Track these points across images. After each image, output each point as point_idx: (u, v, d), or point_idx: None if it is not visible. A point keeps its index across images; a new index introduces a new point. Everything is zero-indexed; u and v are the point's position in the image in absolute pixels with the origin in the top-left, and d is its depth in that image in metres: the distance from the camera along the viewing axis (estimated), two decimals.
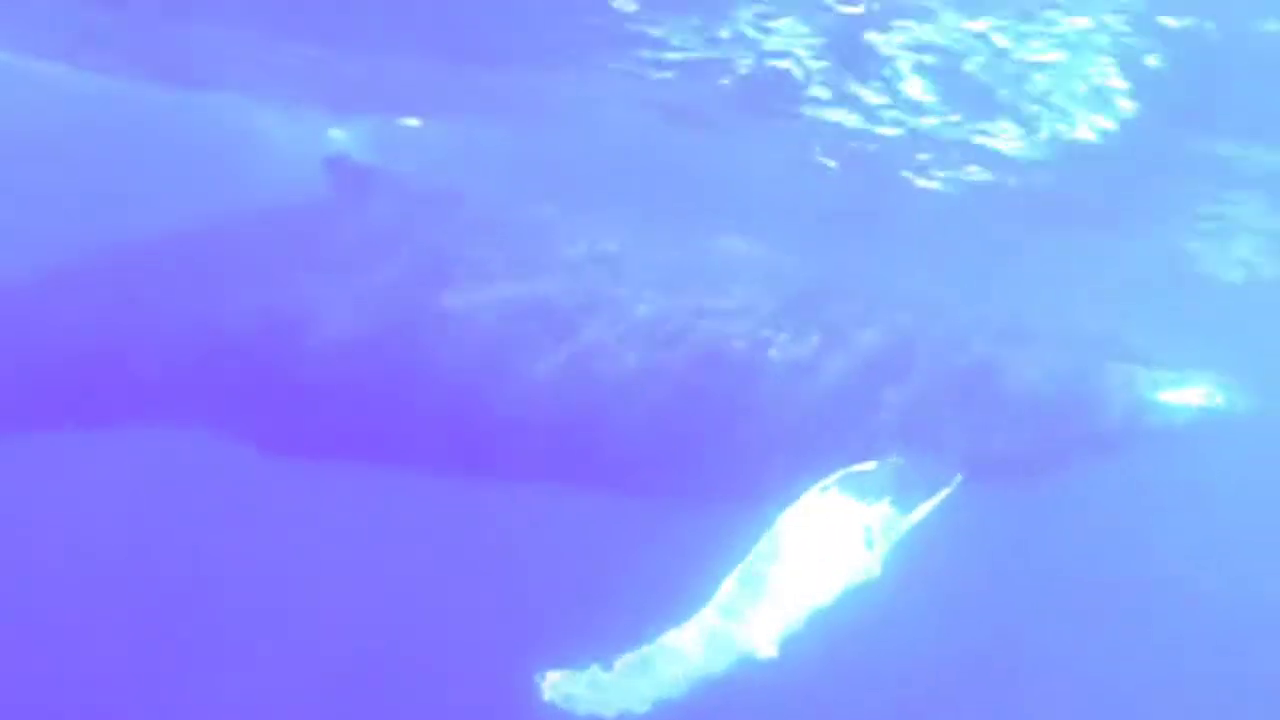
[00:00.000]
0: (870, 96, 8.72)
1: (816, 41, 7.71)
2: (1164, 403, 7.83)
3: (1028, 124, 8.80)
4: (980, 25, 6.98)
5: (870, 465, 6.75)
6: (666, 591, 6.14)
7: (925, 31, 7.18)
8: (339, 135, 13.01)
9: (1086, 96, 7.91)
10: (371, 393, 6.83)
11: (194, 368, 6.86)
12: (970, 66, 7.67)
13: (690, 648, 5.99)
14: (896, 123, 9.33)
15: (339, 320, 6.76)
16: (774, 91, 8.82)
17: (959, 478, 6.88)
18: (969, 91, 8.22)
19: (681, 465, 7.02)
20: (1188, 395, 7.91)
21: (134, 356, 6.88)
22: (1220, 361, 8.44)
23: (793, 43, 7.81)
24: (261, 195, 7.82)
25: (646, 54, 8.58)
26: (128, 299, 7.03)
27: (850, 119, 9.37)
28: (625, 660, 5.91)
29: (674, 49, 8.37)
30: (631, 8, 7.66)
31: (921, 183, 11.18)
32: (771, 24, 7.53)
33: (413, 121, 12.95)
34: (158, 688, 11.72)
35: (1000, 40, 7.13)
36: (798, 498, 6.60)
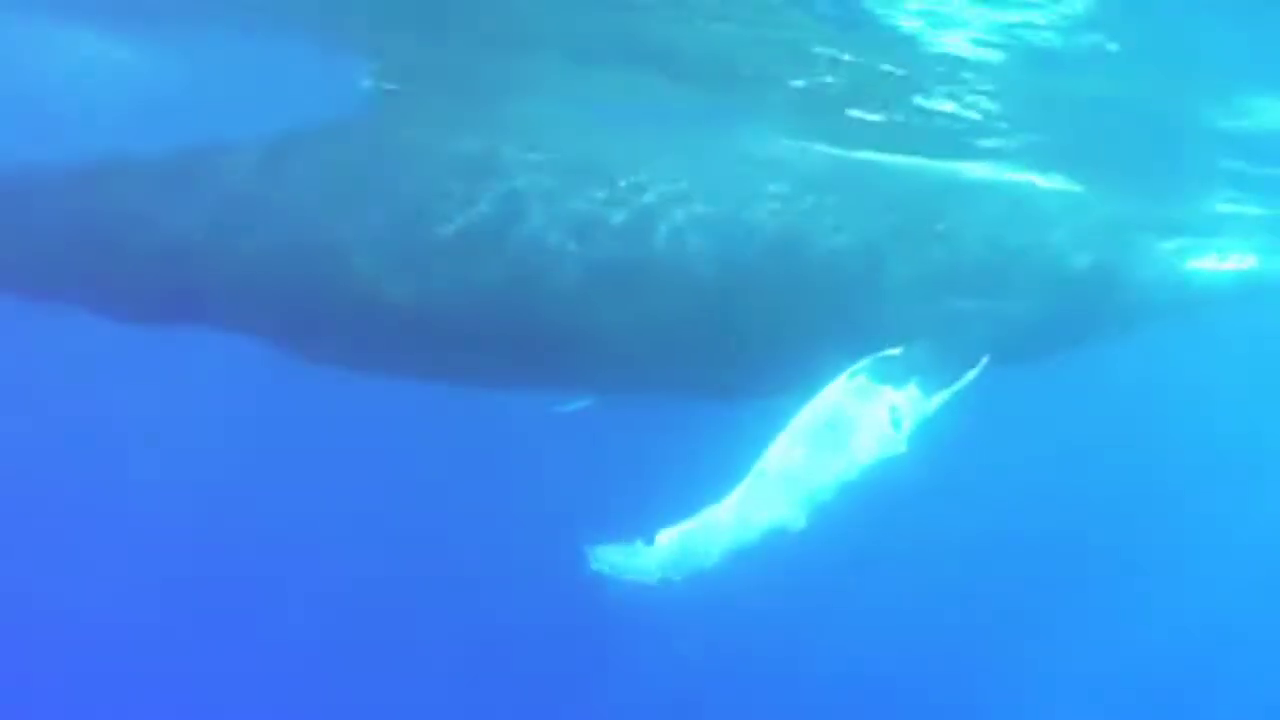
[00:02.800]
0: None
1: None
2: (1199, 271, 7.73)
3: None
4: None
5: (897, 351, 6.94)
6: (705, 473, 6.50)
7: None
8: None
9: None
10: (414, 308, 6.86)
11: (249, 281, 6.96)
12: None
13: (725, 523, 6.38)
14: None
15: (369, 240, 6.80)
16: None
17: (985, 359, 7.01)
18: None
19: (720, 358, 7.16)
20: (1225, 263, 7.83)
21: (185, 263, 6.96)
22: (1262, 224, 8.27)
23: None
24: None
25: None
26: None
27: None
28: (666, 535, 6.38)
29: None
30: None
31: None
32: None
33: None
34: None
35: None
36: (828, 382, 6.82)
